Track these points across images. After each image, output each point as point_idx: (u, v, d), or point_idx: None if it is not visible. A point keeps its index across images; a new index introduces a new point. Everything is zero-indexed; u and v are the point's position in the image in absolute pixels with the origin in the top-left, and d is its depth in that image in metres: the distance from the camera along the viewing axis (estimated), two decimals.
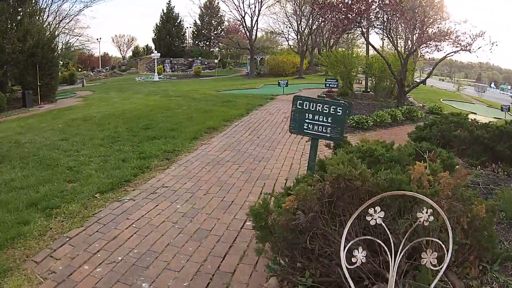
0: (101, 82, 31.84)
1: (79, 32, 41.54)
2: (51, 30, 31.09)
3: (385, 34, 13.38)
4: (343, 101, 3.18)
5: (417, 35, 10.49)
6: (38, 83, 16.64)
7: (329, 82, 13.49)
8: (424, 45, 10.17)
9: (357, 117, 7.76)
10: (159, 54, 33.63)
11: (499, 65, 67.67)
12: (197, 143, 6.14)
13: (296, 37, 36.03)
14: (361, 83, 20.94)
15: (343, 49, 26.03)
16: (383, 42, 28.54)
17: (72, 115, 11.12)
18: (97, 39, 49.27)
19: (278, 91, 14.92)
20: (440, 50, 10.06)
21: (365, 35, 12.71)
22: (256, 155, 5.57)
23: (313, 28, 32.27)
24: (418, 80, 23.59)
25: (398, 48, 12.84)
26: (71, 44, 45.00)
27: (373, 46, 12.85)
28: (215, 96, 13.35)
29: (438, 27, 10.85)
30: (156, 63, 31.83)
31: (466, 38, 10.31)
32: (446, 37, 10.54)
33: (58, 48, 21.93)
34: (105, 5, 57.89)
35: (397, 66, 12.31)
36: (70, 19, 31.39)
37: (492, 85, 50.14)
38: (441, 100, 18.40)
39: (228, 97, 12.82)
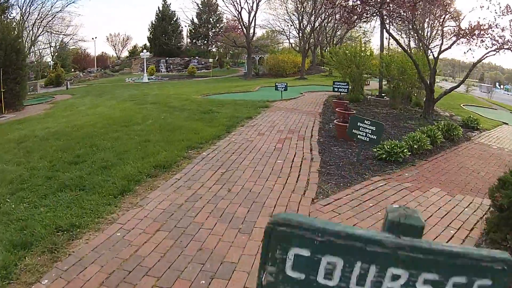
0: (88, 84, 29.47)
1: (71, 31, 39.52)
2: (34, 28, 29.03)
3: (408, 27, 10.90)
4: None
5: (455, 27, 8.04)
6: (2, 89, 14.52)
7: (339, 86, 10.82)
8: (465, 39, 7.71)
9: (388, 142, 5.20)
10: (148, 53, 31.32)
11: (501, 65, 65.38)
12: (122, 203, 3.55)
13: (297, 35, 33.67)
14: (368, 84, 18.51)
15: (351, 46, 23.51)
16: (389, 41, 26.08)
17: (16, 132, 8.79)
18: (92, 38, 47.23)
19: (276, 95, 12.53)
20: (488, 47, 7.60)
21: (383, 26, 10.23)
22: (212, 250, 2.76)
23: (315, 25, 29.84)
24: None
25: (413, 45, 10.42)
26: (66, 43, 42.87)
27: (396, 40, 10.33)
28: (197, 104, 10.93)
29: (477, 19, 8.43)
30: (145, 63, 29.45)
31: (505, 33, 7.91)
32: (483, 32, 8.11)
33: (26, 49, 19.72)
34: (89, 0, 55.46)
35: (421, 66, 9.89)
36: (53, 16, 29.34)
37: (497, 85, 48.17)
38: (461, 105, 15.87)
39: (212, 105, 10.42)
